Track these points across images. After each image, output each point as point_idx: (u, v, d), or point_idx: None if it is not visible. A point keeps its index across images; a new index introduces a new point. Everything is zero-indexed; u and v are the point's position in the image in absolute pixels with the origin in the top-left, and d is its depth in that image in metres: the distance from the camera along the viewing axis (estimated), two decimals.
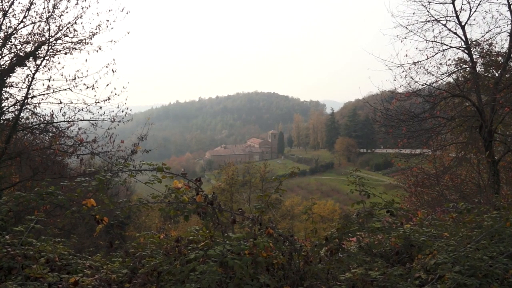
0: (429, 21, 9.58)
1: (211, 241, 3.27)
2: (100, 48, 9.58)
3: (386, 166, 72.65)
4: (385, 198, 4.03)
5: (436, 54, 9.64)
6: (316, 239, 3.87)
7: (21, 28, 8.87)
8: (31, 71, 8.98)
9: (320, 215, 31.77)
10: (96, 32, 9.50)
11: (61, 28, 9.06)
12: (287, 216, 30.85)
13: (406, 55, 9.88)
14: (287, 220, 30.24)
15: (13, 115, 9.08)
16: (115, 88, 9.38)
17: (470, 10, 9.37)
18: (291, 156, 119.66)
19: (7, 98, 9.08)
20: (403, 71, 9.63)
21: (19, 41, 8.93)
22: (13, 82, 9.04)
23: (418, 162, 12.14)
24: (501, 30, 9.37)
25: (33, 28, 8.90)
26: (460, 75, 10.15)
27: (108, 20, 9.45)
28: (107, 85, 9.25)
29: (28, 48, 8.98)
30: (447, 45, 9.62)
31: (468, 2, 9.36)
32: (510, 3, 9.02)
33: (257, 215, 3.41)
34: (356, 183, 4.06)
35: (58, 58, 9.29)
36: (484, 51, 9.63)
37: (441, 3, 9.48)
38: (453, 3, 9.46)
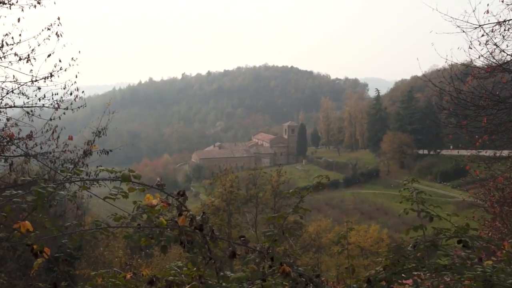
0: None
1: (200, 283, 3.28)
2: (39, 3, 9.63)
3: (458, 175, 71.86)
4: (456, 221, 4.01)
5: None
6: (353, 282, 3.87)
7: None
8: None
9: (359, 246, 31.65)
10: None
11: None
12: (311, 248, 30.91)
13: (487, 12, 9.77)
14: (311, 253, 30.28)
15: None
16: (60, 61, 9.44)
17: None
18: (316, 160, 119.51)
19: None
20: (482, 35, 9.53)
21: None
22: None
23: (506, 169, 12.03)
24: None
25: None
26: None
27: None
28: (49, 55, 9.30)
29: None
30: None
31: None
32: None
33: (267, 246, 3.42)
34: (413, 200, 4.04)
35: None
36: None
37: None
38: None
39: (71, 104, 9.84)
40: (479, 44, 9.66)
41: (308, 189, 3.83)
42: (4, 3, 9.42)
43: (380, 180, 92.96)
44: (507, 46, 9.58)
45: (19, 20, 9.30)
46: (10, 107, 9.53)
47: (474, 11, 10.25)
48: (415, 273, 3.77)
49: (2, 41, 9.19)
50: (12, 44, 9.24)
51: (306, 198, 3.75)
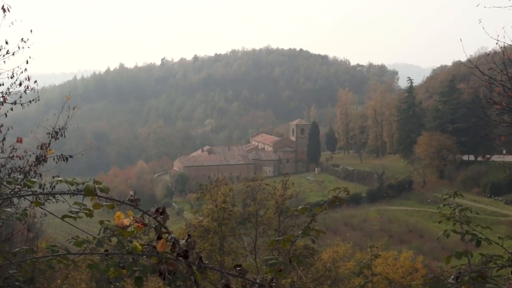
0: None
1: None
2: None
3: None
4: (510, 246, 4.01)
5: None
6: None
7: None
8: None
9: (387, 278, 31.73)
10: None
11: None
12: (326, 280, 30.86)
13: None
14: (326, 287, 30.25)
15: None
16: (7, 42, 9.46)
17: None
18: (332, 168, 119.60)
19: None
20: None
21: None
22: None
23: None
24: None
25: None
26: None
27: None
28: None
29: None
30: None
31: None
32: None
33: (270, 278, 3.42)
34: (456, 219, 4.05)
35: None
36: None
37: None
38: None
39: (21, 97, 9.85)
40: None
41: (322, 205, 3.84)
42: None
43: (414, 194, 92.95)
44: None
45: None
46: None
47: None
48: None
49: None
50: None
51: (320, 216, 3.76)
